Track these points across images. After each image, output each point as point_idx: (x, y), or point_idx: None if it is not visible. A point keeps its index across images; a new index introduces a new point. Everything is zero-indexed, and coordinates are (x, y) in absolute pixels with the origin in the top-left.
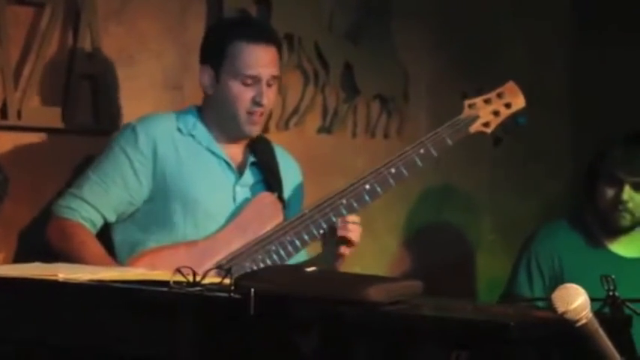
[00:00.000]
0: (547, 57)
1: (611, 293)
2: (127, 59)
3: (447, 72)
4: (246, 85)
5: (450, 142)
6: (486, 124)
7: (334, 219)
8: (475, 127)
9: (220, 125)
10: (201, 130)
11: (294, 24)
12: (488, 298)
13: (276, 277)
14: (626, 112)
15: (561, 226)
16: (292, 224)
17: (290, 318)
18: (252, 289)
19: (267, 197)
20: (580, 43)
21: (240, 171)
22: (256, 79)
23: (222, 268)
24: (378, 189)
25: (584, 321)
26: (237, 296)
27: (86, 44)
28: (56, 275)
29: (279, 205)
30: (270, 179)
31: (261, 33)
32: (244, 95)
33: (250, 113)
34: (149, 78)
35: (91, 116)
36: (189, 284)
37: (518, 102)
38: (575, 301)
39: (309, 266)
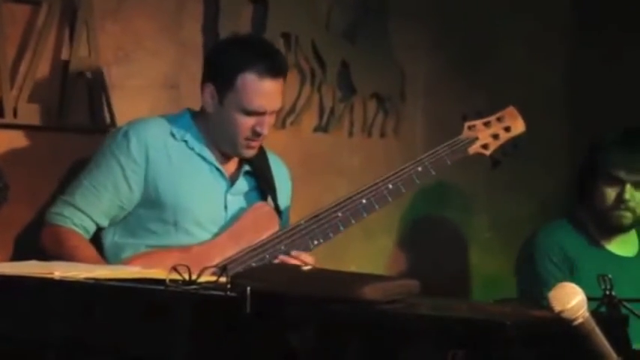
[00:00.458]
0: (546, 57)
1: (607, 292)
2: (124, 58)
3: (444, 72)
4: (248, 114)
5: (448, 162)
6: (485, 147)
7: (331, 235)
8: (474, 149)
9: (216, 142)
10: (194, 136)
11: (290, 23)
12: (483, 296)
13: (272, 275)
14: (625, 112)
15: (562, 226)
16: (287, 234)
17: (286, 316)
18: (248, 288)
19: (264, 207)
20: (580, 43)
21: (232, 179)
22: (260, 113)
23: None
24: (375, 205)
25: (580, 320)
26: (233, 295)
27: (82, 43)
28: (52, 273)
29: (275, 215)
30: (264, 187)
31: (273, 66)
32: (246, 124)
33: (248, 139)
34: (145, 77)
35: (87, 115)
36: (185, 283)
37: (518, 126)
38: (571, 300)
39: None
